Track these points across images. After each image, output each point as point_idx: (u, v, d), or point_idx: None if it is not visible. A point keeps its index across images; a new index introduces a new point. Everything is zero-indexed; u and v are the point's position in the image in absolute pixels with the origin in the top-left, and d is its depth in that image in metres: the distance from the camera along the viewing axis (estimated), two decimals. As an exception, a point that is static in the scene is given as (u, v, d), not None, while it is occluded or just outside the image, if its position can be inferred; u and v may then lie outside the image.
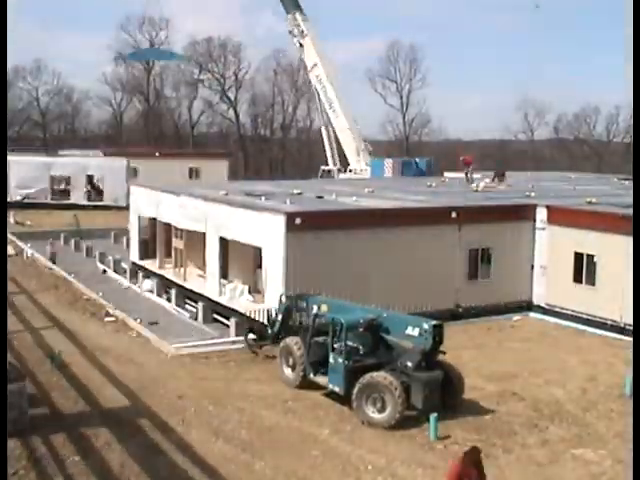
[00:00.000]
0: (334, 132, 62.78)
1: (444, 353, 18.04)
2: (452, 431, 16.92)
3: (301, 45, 62.14)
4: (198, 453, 15.65)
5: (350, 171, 60.76)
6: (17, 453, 15.21)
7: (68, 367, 21.09)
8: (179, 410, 18.00)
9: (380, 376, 17.41)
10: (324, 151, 64.75)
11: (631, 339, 23.56)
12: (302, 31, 61.32)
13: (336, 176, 60.65)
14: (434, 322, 17.85)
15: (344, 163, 63.20)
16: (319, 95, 62.85)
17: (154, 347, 23.58)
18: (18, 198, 58.61)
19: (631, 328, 23.65)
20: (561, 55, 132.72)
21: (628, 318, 24.31)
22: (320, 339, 19.49)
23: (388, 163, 59.62)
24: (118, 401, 18.60)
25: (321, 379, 19.10)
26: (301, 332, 20.21)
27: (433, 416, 16.66)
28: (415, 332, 17.88)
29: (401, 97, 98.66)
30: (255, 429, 16.99)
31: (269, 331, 22.07)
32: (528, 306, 28.32)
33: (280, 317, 21.75)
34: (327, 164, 64.10)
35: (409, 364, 17.77)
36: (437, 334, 17.62)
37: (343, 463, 15.33)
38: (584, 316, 26.49)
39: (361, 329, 18.65)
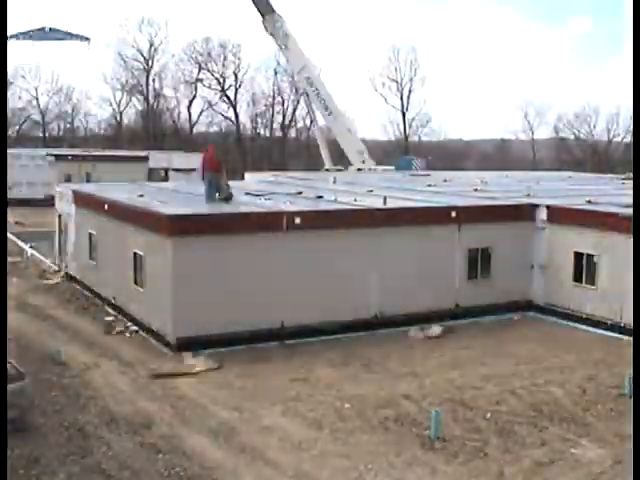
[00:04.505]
0: (329, 133, 62.57)
1: None
2: (452, 431, 16.91)
3: (285, 47, 61.42)
4: (197, 452, 15.66)
5: (359, 170, 59.60)
6: (17, 453, 15.20)
7: (68, 366, 21.10)
8: (178, 409, 18.01)
9: None
10: (320, 153, 64.51)
11: (631, 339, 23.60)
12: (285, 33, 60.62)
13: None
14: None
15: (338, 163, 62.97)
16: (309, 98, 62.54)
17: (152, 345, 23.59)
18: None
19: (631, 328, 23.66)
20: (562, 54, 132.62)
21: (628, 318, 24.32)
22: None
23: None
24: (117, 401, 18.61)
25: None
26: None
27: (433, 416, 16.66)
28: None
29: (401, 97, 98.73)
30: (254, 429, 16.99)
31: None
32: (528, 306, 28.30)
33: None
34: (324, 164, 63.72)
35: None
36: None
37: (342, 463, 15.32)
38: (584, 316, 26.49)
39: None
